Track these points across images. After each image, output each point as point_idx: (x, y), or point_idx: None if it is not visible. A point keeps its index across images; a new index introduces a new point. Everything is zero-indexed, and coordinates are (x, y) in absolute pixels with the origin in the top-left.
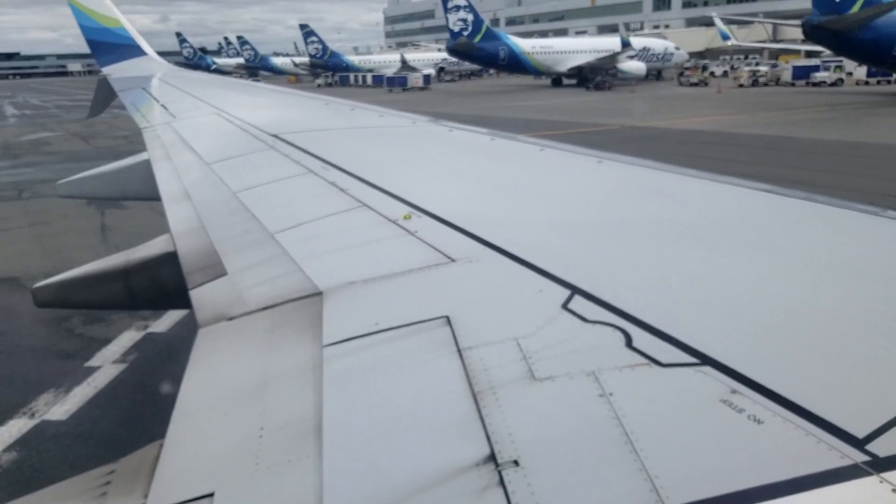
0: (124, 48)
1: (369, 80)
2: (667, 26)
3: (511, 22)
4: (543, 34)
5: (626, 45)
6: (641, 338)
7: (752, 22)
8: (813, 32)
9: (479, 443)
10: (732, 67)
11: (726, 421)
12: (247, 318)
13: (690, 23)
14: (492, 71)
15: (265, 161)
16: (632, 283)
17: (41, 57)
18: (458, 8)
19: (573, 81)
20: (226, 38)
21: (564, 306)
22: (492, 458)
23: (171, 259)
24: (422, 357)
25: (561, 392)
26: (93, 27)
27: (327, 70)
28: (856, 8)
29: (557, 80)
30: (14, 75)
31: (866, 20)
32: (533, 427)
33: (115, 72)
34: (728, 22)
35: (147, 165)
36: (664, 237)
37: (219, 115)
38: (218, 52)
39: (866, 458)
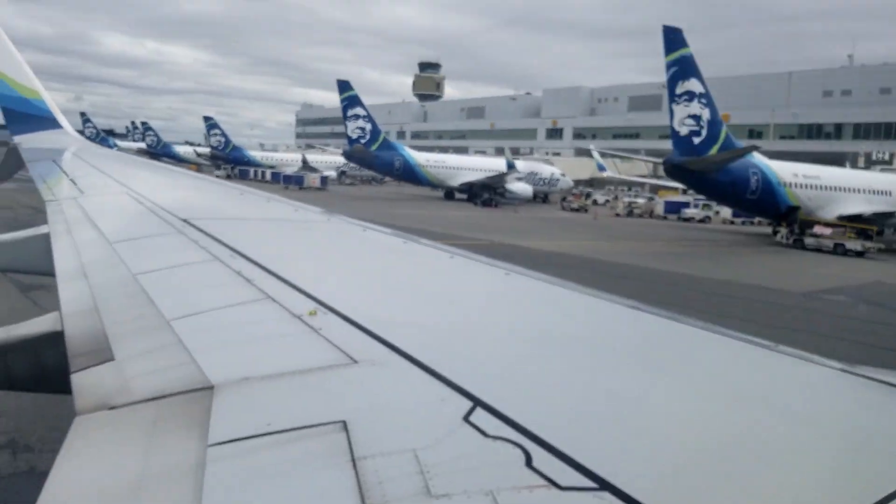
0: (40, 119)
1: (268, 175)
2: (557, 154)
3: (416, 136)
4: (444, 150)
5: (510, 166)
6: (541, 457)
7: (625, 157)
8: (673, 171)
9: None
10: (615, 197)
11: None
12: (129, 408)
13: (579, 153)
14: (387, 179)
15: (171, 245)
16: (535, 399)
17: None
18: (357, 117)
19: (464, 196)
20: (133, 123)
21: (466, 418)
22: None
23: (57, 339)
24: (313, 465)
25: None
26: (11, 96)
27: (228, 162)
28: (713, 150)
29: (450, 194)
30: None
31: (722, 163)
32: None
33: (27, 142)
34: (605, 155)
35: (46, 239)
36: (567, 354)
37: (129, 195)
38: (125, 136)
39: None
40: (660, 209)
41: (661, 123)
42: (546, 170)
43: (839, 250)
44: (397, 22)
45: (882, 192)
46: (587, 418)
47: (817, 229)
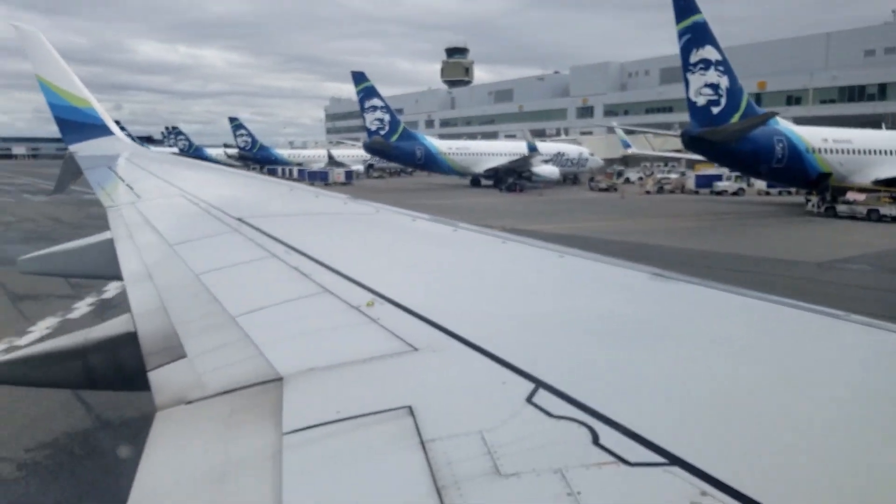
0: (92, 127)
1: (295, 173)
2: (588, 133)
3: (445, 123)
4: (473, 136)
5: (532, 149)
6: (608, 435)
7: (656, 133)
8: (691, 143)
9: None
10: (650, 174)
11: None
12: (206, 402)
13: (611, 131)
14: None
15: (229, 244)
16: (597, 379)
17: None
18: (374, 108)
19: (491, 183)
20: (167, 128)
21: (529, 400)
22: None
23: (130, 339)
24: (384, 448)
25: (527, 489)
26: (62, 105)
27: (256, 162)
28: (735, 119)
29: (476, 181)
30: None
31: (741, 132)
32: None
33: (82, 150)
34: (630, 132)
35: (110, 244)
36: (628, 334)
37: (184, 197)
38: (161, 142)
39: None
40: (691, 184)
41: None
42: (574, 150)
43: (873, 216)
44: (426, 8)
45: None
46: (653, 395)
47: (850, 195)
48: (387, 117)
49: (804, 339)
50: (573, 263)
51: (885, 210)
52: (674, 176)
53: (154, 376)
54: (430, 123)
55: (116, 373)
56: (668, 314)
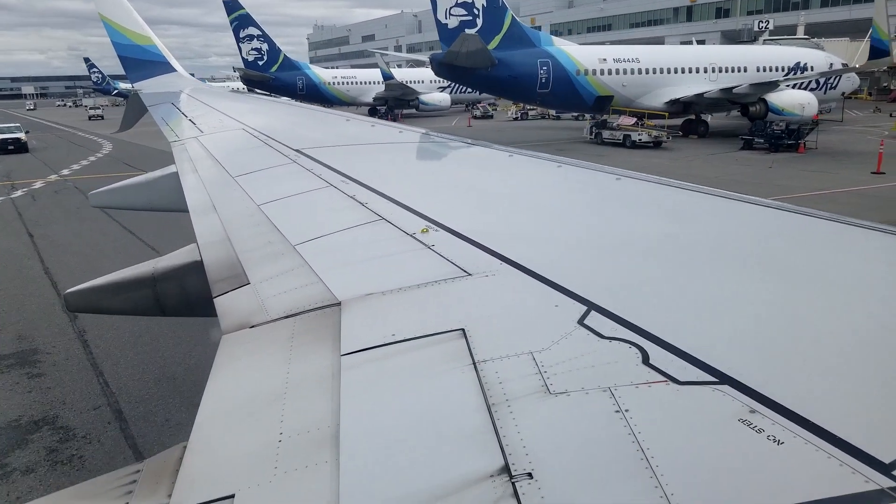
0: (155, 65)
1: None
2: None
3: (411, 49)
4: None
5: (387, 78)
6: (658, 355)
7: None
8: (441, 70)
9: (493, 454)
10: None
11: (745, 440)
12: (268, 326)
13: None
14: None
15: (288, 175)
16: (649, 300)
17: None
18: (251, 38)
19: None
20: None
21: (580, 322)
22: (506, 469)
23: (196, 268)
24: (437, 368)
25: (576, 407)
26: (125, 44)
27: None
28: (496, 42)
29: (374, 111)
30: None
31: (469, 55)
32: (547, 440)
33: (146, 87)
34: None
35: (175, 177)
36: (681, 255)
37: (245, 130)
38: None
39: (893, 483)
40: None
41: (632, 11)
42: None
43: (627, 142)
44: None
45: (733, 69)
46: (703, 316)
47: (621, 120)
48: (265, 47)
49: (863, 257)
50: (628, 186)
51: (636, 136)
52: None
53: (220, 302)
54: (398, 48)
55: (184, 300)
56: (720, 234)
